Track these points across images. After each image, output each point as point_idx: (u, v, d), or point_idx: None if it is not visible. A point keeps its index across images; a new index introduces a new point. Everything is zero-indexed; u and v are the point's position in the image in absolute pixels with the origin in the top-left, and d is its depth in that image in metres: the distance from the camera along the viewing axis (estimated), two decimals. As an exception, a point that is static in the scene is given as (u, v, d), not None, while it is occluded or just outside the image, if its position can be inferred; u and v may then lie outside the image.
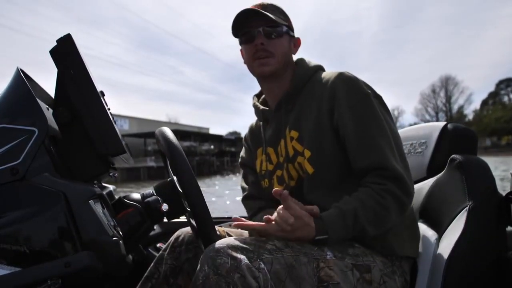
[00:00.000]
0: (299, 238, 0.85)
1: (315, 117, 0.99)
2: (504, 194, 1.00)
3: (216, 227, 1.02)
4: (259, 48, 1.02)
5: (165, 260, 1.09)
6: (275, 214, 0.86)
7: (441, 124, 1.21)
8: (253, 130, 1.24)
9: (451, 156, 1.08)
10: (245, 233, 1.20)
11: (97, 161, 0.88)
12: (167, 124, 49.47)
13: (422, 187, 1.18)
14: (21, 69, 0.83)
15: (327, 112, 0.98)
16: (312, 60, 1.12)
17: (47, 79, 0.94)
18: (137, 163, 30.48)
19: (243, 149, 1.29)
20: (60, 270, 0.71)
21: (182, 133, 39.51)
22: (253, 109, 1.19)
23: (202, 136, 46.99)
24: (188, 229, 1.13)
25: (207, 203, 0.80)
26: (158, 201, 0.95)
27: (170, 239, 1.14)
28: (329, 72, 1.05)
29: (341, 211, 0.87)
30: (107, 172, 0.93)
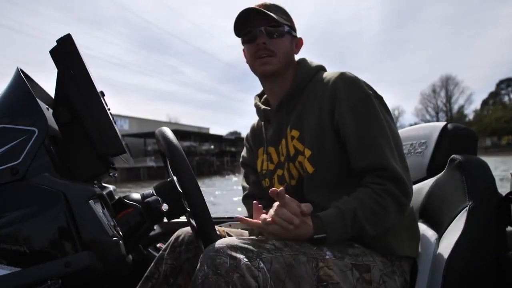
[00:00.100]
0: (297, 237, 0.85)
1: (317, 117, 1.00)
2: (504, 194, 1.00)
3: (216, 227, 1.02)
4: (261, 47, 1.02)
5: (165, 260, 1.09)
6: (271, 212, 0.86)
7: (441, 124, 1.21)
8: (254, 130, 1.25)
9: (451, 156, 1.08)
10: (245, 233, 1.21)
11: (97, 161, 0.88)
12: (167, 124, 49.48)
13: (422, 187, 1.18)
14: (21, 69, 0.83)
15: (328, 112, 0.98)
16: (314, 60, 1.13)
17: (47, 79, 0.94)
18: (137, 163, 30.49)
19: (244, 149, 1.29)
20: (60, 270, 0.71)
21: (182, 133, 39.52)
22: (254, 109, 1.20)
23: (202, 136, 46.99)
24: (188, 229, 1.13)
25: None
26: (158, 201, 0.95)
27: (170, 239, 1.14)
28: (331, 72, 1.05)
29: (340, 210, 0.87)
30: (107, 172, 0.93)
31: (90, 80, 0.84)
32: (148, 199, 0.96)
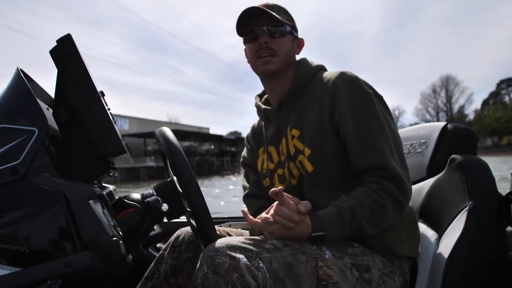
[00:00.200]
0: (296, 235, 0.85)
1: (317, 116, 1.00)
2: (504, 194, 1.00)
3: (216, 227, 1.02)
4: (263, 46, 1.03)
5: (165, 260, 1.09)
6: (271, 211, 0.86)
7: (441, 124, 1.21)
8: (255, 130, 1.25)
9: (451, 156, 1.08)
10: (245, 233, 1.21)
11: (97, 161, 0.88)
12: (167, 124, 49.47)
13: (422, 187, 1.18)
14: (21, 69, 0.83)
15: (328, 112, 0.98)
16: (314, 60, 1.13)
17: (47, 79, 0.94)
18: (137, 163, 30.48)
19: (245, 149, 1.29)
20: (60, 270, 0.71)
21: (182, 133, 39.52)
22: (254, 109, 1.20)
23: (202, 136, 46.98)
24: (188, 229, 1.13)
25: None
26: (158, 201, 0.95)
27: (170, 238, 1.14)
28: (331, 71, 1.05)
29: (339, 209, 0.87)
30: (107, 172, 0.93)
31: (90, 80, 0.85)
32: (148, 199, 0.96)
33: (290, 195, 0.87)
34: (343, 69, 1.01)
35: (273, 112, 1.11)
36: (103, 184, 1.11)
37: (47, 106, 0.86)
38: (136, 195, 0.98)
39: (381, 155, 0.91)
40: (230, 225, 1.60)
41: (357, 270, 0.87)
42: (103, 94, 0.91)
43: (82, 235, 0.74)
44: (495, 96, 62.14)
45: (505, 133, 53.46)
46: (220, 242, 0.79)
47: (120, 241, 0.81)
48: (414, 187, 1.21)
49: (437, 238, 1.01)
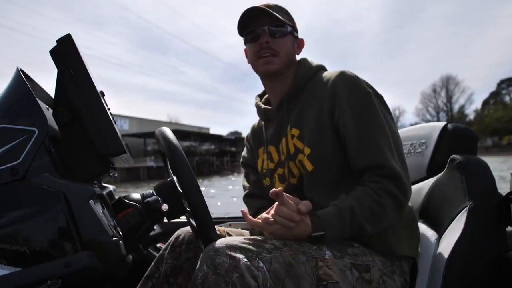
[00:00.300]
0: (296, 235, 0.85)
1: (317, 116, 1.00)
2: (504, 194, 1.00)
3: (216, 227, 1.02)
4: (264, 46, 1.03)
5: (166, 260, 1.09)
6: (271, 212, 0.86)
7: (441, 124, 1.21)
8: (255, 130, 1.25)
9: (451, 156, 1.08)
10: (245, 233, 1.21)
11: (97, 161, 0.88)
12: (167, 124, 49.47)
13: (422, 187, 1.18)
14: (21, 69, 0.83)
15: (328, 112, 0.98)
16: (314, 60, 1.13)
17: (47, 79, 0.94)
18: (137, 163, 30.46)
19: (245, 149, 1.29)
20: (60, 270, 0.71)
21: (182, 133, 39.51)
22: (255, 109, 1.20)
23: (202, 136, 46.98)
24: (188, 229, 1.13)
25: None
26: (158, 201, 0.95)
27: (171, 238, 1.14)
28: (331, 71, 1.05)
29: (339, 209, 0.87)
30: (107, 172, 0.93)
31: (90, 80, 0.85)
32: (148, 199, 0.96)
33: (290, 195, 0.87)
34: (343, 69, 1.01)
35: (273, 112, 1.11)
36: (103, 184, 1.11)
37: (47, 106, 0.86)
38: (136, 195, 0.98)
39: (380, 154, 0.91)
40: (230, 225, 1.60)
41: (357, 270, 0.87)
42: (103, 94, 0.91)
43: (82, 235, 0.74)
44: (495, 96, 62.10)
45: (505, 133, 53.41)
46: (220, 242, 0.79)
47: (120, 241, 0.81)
48: (414, 187, 1.21)
49: (437, 238, 1.01)
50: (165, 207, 0.93)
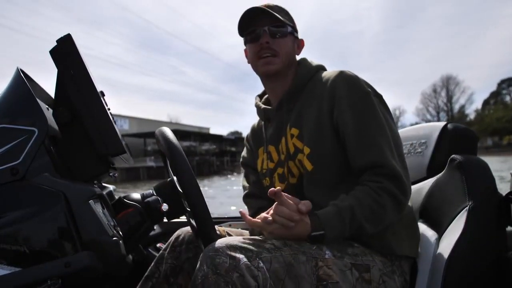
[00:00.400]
0: (295, 235, 0.85)
1: (316, 116, 1.00)
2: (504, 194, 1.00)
3: (216, 227, 1.02)
4: (264, 46, 1.03)
5: (166, 260, 1.10)
6: (271, 211, 0.86)
7: (441, 124, 1.21)
8: (254, 130, 1.25)
9: (451, 156, 1.08)
10: (245, 233, 1.21)
11: (97, 161, 0.88)
12: (167, 124, 49.46)
13: (422, 187, 1.18)
14: (21, 69, 0.83)
15: (327, 112, 0.98)
16: (314, 60, 1.13)
17: (47, 79, 0.94)
18: (137, 163, 30.46)
19: (245, 149, 1.29)
20: (60, 270, 0.71)
21: (182, 133, 39.51)
22: (255, 109, 1.20)
23: (202, 136, 46.98)
24: (188, 228, 1.13)
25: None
26: (158, 201, 0.95)
27: (171, 238, 1.14)
28: (330, 71, 1.05)
29: (338, 208, 0.87)
30: (107, 172, 0.93)
31: (90, 80, 0.85)
32: (148, 199, 0.96)
33: (289, 195, 0.87)
34: (343, 69, 1.01)
35: (273, 112, 1.12)
36: (103, 184, 1.11)
37: (47, 106, 0.86)
38: (136, 195, 0.98)
39: (380, 154, 0.91)
40: (230, 225, 1.60)
41: (357, 270, 0.86)
42: (103, 94, 0.91)
43: (82, 235, 0.74)
44: (496, 96, 62.07)
45: (505, 133, 53.39)
46: (220, 242, 0.79)
47: (120, 241, 0.81)
48: (414, 187, 1.21)
49: (437, 238, 1.01)
50: (165, 207, 0.93)
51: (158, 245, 1.63)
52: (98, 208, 0.80)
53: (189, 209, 0.90)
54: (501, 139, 54.74)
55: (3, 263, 0.70)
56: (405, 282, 0.95)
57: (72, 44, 0.84)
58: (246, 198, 1.24)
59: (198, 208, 0.80)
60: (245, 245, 0.80)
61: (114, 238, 0.78)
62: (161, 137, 0.86)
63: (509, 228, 1.01)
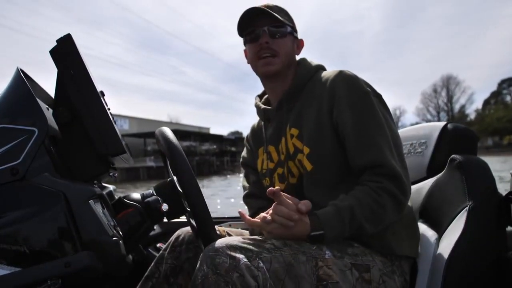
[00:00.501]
0: (295, 235, 0.85)
1: (316, 116, 1.00)
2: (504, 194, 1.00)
3: (216, 227, 1.02)
4: (263, 46, 1.03)
5: (166, 260, 1.10)
6: (270, 211, 0.86)
7: (441, 124, 1.21)
8: (254, 130, 1.25)
9: (451, 156, 1.08)
10: (245, 233, 1.21)
11: (97, 161, 0.88)
12: (167, 124, 49.45)
13: (422, 187, 1.18)
14: (21, 69, 0.83)
15: (327, 111, 0.98)
16: (314, 60, 1.13)
17: (47, 79, 0.94)
18: (137, 163, 30.45)
19: (245, 149, 1.29)
20: (60, 270, 0.71)
21: (182, 133, 39.50)
22: (255, 109, 1.20)
23: (202, 136, 46.97)
24: (188, 229, 1.13)
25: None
26: (158, 201, 0.95)
27: (171, 238, 1.14)
28: (330, 71, 1.05)
29: (338, 208, 0.87)
30: (107, 172, 0.93)
31: (90, 80, 0.85)
32: (148, 199, 0.96)
33: (288, 195, 0.87)
34: (343, 69, 1.01)
35: (273, 112, 1.12)
36: (103, 184, 1.11)
37: (47, 106, 0.86)
38: (136, 195, 0.98)
39: (380, 154, 0.91)
40: (230, 225, 1.60)
41: (357, 270, 0.86)
42: (103, 94, 0.91)
43: (82, 235, 0.74)
44: (496, 95, 62.04)
45: (506, 133, 53.37)
46: (220, 242, 0.79)
47: (120, 241, 0.81)
48: (414, 187, 1.21)
49: (437, 238, 1.01)
50: (165, 207, 0.93)
51: (158, 245, 1.63)
52: (98, 208, 0.80)
53: (189, 209, 0.90)
54: (501, 139, 54.73)
55: (3, 263, 0.70)
56: (405, 282, 0.95)
57: (72, 44, 0.84)
58: (246, 198, 1.24)
59: (198, 208, 0.80)
60: (245, 245, 0.80)
61: (114, 238, 0.78)
62: (161, 137, 0.86)
63: (509, 228, 1.01)
